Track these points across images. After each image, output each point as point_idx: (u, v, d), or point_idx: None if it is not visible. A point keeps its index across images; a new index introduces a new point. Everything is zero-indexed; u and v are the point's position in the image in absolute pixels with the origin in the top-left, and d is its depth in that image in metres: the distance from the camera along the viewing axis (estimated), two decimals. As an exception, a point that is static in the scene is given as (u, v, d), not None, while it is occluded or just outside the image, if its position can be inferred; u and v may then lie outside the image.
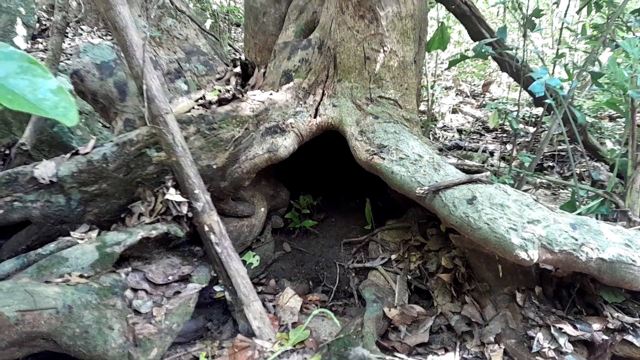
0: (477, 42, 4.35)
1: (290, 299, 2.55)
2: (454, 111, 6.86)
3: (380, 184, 3.11)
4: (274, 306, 2.57)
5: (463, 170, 3.80)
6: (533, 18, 2.67)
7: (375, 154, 2.42)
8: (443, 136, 6.00)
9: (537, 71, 2.33)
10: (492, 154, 5.62)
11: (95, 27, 8.02)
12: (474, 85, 8.52)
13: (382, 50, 2.66)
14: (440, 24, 3.09)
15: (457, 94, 7.63)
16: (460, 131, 6.19)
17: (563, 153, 5.37)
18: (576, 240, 1.86)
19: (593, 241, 1.86)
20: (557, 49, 3.01)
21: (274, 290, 2.73)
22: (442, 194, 2.09)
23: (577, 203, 2.37)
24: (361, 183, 3.46)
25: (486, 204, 1.95)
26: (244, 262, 2.82)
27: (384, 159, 2.37)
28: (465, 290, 2.27)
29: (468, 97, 7.62)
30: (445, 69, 3.28)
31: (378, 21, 2.63)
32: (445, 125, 6.38)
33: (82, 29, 7.83)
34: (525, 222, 1.88)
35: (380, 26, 2.63)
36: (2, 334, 1.46)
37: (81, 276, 1.95)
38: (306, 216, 3.21)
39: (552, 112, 4.03)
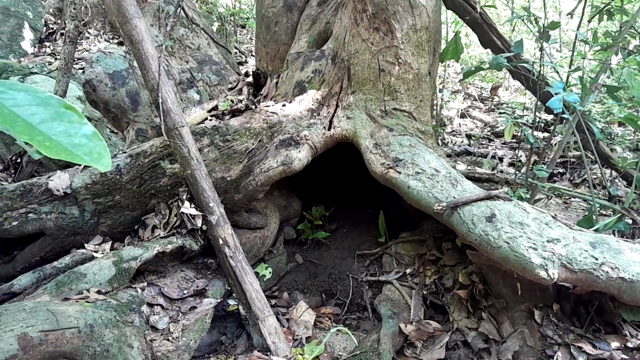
0: (487, 49, 4.35)
1: (304, 313, 2.55)
2: (463, 116, 6.83)
3: (392, 194, 3.10)
4: (287, 320, 2.56)
5: (473, 179, 3.79)
6: (548, 30, 2.66)
7: (390, 167, 2.41)
8: (452, 141, 5.99)
9: (554, 85, 2.32)
10: (501, 159, 5.60)
11: (102, 31, 8.04)
12: (482, 88, 8.50)
13: (397, 62, 2.65)
14: (454, 34, 3.07)
15: (465, 98, 7.61)
16: (469, 136, 6.17)
17: (573, 160, 5.35)
18: (596, 259, 1.85)
19: (613, 260, 1.85)
20: (571, 60, 2.99)
21: (287, 303, 2.72)
22: (460, 210, 2.08)
23: (594, 217, 2.36)
24: (373, 193, 3.45)
25: (505, 222, 1.94)
26: (257, 274, 2.82)
27: (400, 173, 2.36)
28: (482, 307, 2.26)
29: (476, 101, 7.59)
30: (460, 80, 3.27)
31: (393, 33, 2.62)
32: (453, 130, 6.36)
33: (88, 32, 7.85)
34: (545, 241, 1.87)
35: (395, 38, 2.62)
36: (26, 354, 1.46)
37: (99, 292, 1.95)
38: (318, 227, 3.20)
39: (564, 121, 4.01)
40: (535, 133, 6.13)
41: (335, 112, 2.80)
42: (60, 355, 1.57)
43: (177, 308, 2.19)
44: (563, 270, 1.83)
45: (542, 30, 2.59)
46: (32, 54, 7.06)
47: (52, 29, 7.70)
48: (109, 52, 3.33)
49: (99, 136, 0.85)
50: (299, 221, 3.25)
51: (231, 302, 2.50)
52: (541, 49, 2.50)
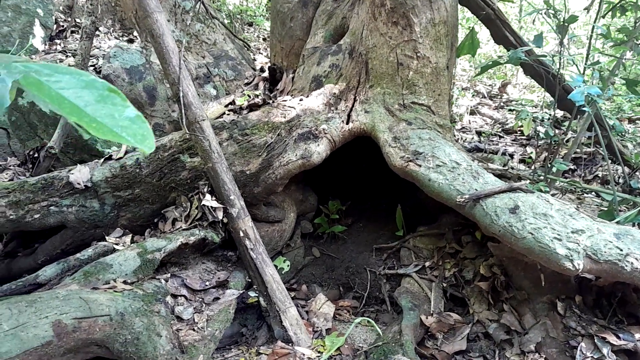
0: (500, 45, 4.34)
1: (323, 305, 2.56)
2: (472, 112, 6.82)
3: (408, 189, 3.11)
4: (306, 312, 2.58)
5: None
6: (567, 24, 2.66)
7: (410, 160, 2.42)
8: (462, 138, 5.98)
9: (574, 79, 2.32)
10: (511, 156, 5.59)
11: (112, 29, 8.07)
12: (490, 86, 8.48)
13: (415, 56, 2.66)
14: (470, 30, 3.08)
15: (473, 95, 7.59)
16: (479, 133, 6.16)
17: (585, 156, 5.34)
18: (621, 250, 1.86)
19: (638, 251, 1.85)
20: (587, 54, 3.00)
21: (306, 296, 2.74)
22: (483, 202, 2.09)
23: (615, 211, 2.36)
24: (388, 188, 3.46)
25: (529, 214, 1.95)
26: (275, 267, 2.83)
27: (420, 166, 2.37)
28: (504, 299, 2.27)
29: (485, 98, 7.58)
30: (476, 75, 3.26)
31: (412, 27, 2.63)
32: (463, 127, 6.35)
33: (99, 30, 7.87)
34: (570, 232, 1.88)
35: (414, 32, 2.63)
36: (60, 340, 1.48)
37: (125, 282, 1.97)
38: (335, 221, 3.22)
39: (579, 117, 4.01)
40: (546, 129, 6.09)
41: (353, 106, 2.81)
42: (93, 342, 1.59)
43: (201, 299, 2.21)
44: (588, 261, 1.84)
45: (560, 24, 2.59)
46: (43, 51, 7.10)
47: (63, 26, 7.73)
48: (126, 47, 3.35)
49: (143, 118, 0.86)
50: (315, 215, 3.26)
51: (251, 294, 2.52)
52: (561, 43, 2.50)
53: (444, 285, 2.52)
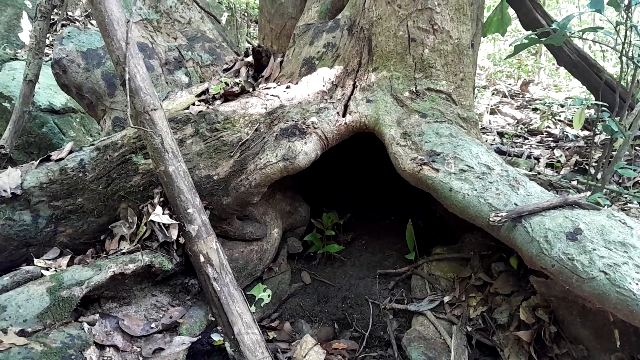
0: (529, 31, 3.74)
1: (310, 351, 1.98)
2: (492, 112, 6.20)
3: (421, 197, 2.52)
4: (288, 359, 2.00)
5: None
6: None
7: (425, 163, 1.82)
8: (482, 139, 5.37)
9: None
10: (537, 160, 4.97)
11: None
12: (509, 84, 7.85)
13: (431, 29, 2.08)
14: (500, 2, 2.48)
15: (493, 94, 6.97)
16: (501, 134, 5.54)
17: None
18: None
19: None
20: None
21: (290, 337, 2.15)
22: (527, 222, 1.48)
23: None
24: (398, 196, 2.87)
25: (598, 242, 1.34)
26: (252, 297, 2.26)
27: (437, 170, 1.77)
28: (553, 355, 1.65)
29: (506, 97, 6.95)
30: (507, 57, 2.74)
31: (427, -8, 2.04)
32: (484, 127, 5.74)
33: (91, 24, 7.46)
34: (663, 270, 1.27)
35: (430, -1, 2.04)
36: None
37: (22, 332, 1.41)
38: (330, 238, 2.63)
39: (627, 112, 3.38)
40: (574, 131, 5.46)
41: (352, 94, 2.24)
42: None
43: (138, 350, 1.64)
44: (692, 315, 1.22)
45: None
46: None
47: (53, 19, 7.31)
48: (84, 27, 2.81)
49: None
50: (306, 231, 2.71)
51: (215, 337, 1.94)
52: (628, 7, 1.88)
53: (468, 329, 1.90)
